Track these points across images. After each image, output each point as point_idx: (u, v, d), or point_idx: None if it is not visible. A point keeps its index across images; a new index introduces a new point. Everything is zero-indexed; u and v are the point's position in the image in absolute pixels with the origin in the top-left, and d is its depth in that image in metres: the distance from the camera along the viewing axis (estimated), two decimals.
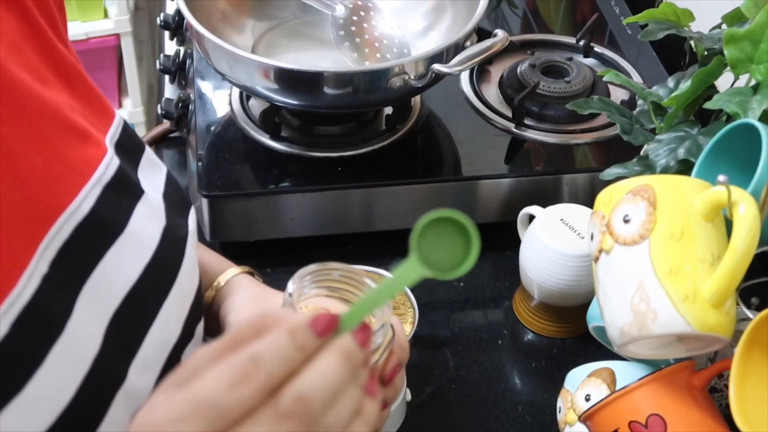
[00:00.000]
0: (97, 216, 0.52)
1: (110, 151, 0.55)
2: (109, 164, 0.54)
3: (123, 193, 0.55)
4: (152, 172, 0.60)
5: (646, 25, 0.87)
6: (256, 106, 1.06)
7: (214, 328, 0.69)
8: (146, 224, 0.56)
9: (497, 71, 1.14)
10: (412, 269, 0.48)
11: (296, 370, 0.44)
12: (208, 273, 0.71)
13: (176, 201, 0.62)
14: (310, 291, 0.57)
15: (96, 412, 0.50)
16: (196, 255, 0.63)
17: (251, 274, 0.73)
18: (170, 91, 1.19)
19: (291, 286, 0.55)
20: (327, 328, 0.46)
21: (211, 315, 0.70)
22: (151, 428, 0.43)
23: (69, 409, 0.47)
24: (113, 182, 0.54)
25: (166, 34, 1.21)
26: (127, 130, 0.59)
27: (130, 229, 0.54)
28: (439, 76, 0.93)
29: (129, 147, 0.58)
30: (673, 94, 0.80)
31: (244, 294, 0.69)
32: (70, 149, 0.52)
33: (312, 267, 0.56)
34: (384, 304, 0.49)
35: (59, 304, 0.48)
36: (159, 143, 1.15)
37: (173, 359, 0.57)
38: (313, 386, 0.44)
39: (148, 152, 0.61)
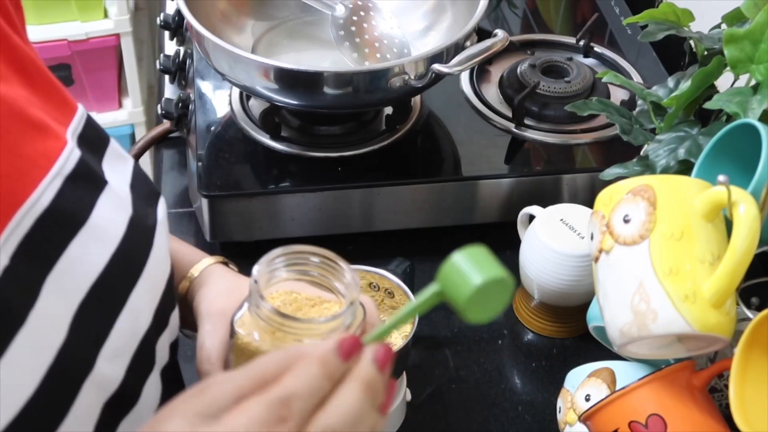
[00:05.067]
0: (59, 207, 0.52)
1: (71, 144, 0.55)
2: (70, 156, 0.54)
3: (85, 184, 0.55)
4: (118, 164, 0.61)
5: (646, 26, 0.87)
6: (256, 106, 1.06)
7: (189, 318, 0.69)
8: (111, 214, 0.56)
9: (497, 71, 1.14)
10: (433, 297, 0.49)
11: (324, 399, 0.46)
12: (181, 264, 0.71)
13: (144, 191, 0.62)
14: (277, 276, 0.56)
15: (64, 399, 0.50)
16: (166, 244, 0.63)
17: (225, 263, 0.73)
18: (170, 91, 1.19)
19: (256, 272, 0.54)
20: (352, 351, 0.47)
21: (186, 305, 0.69)
22: None
23: (35, 397, 0.48)
24: (74, 174, 0.54)
25: (166, 34, 1.21)
26: (90, 123, 0.59)
27: (94, 220, 0.54)
28: (439, 76, 0.93)
29: (93, 140, 0.59)
30: (673, 94, 0.80)
31: (219, 283, 0.68)
32: (28, 143, 0.52)
33: (276, 251, 0.55)
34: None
35: (22, 295, 0.48)
36: (159, 143, 1.15)
37: (145, 347, 0.58)
38: (339, 420, 0.45)
39: (114, 145, 0.61)
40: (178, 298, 0.68)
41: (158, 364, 0.61)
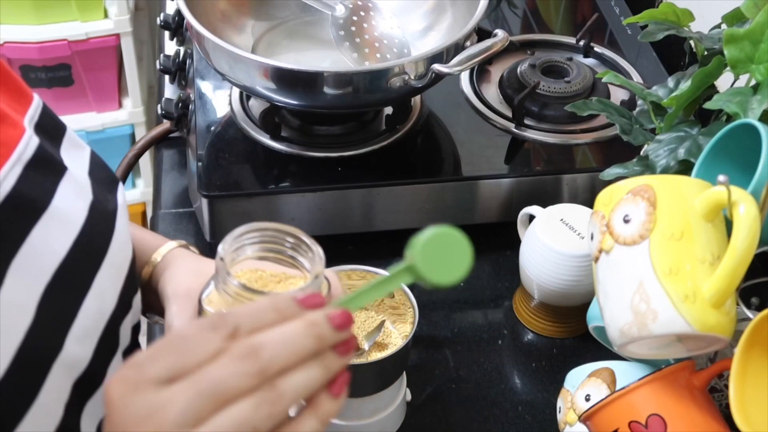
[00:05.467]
0: (20, 194, 0.53)
1: (29, 131, 0.56)
2: (29, 143, 0.55)
3: (45, 170, 0.56)
4: (76, 152, 0.61)
5: (646, 26, 0.87)
6: (256, 106, 1.06)
7: (154, 302, 0.70)
8: (72, 200, 0.57)
9: (497, 71, 1.14)
10: (405, 272, 0.49)
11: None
12: (144, 250, 0.72)
13: (103, 178, 0.63)
14: (242, 254, 0.57)
15: (35, 380, 0.51)
16: (127, 229, 0.64)
17: (186, 247, 0.74)
18: (170, 91, 1.19)
19: (221, 250, 0.55)
20: (310, 302, 0.47)
21: (150, 290, 0.70)
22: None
23: (6, 378, 0.49)
24: (34, 161, 0.55)
25: (166, 34, 1.21)
26: (46, 112, 0.60)
27: (56, 205, 0.55)
28: (439, 76, 0.93)
29: (49, 128, 0.59)
30: (673, 94, 0.80)
31: (183, 266, 0.69)
32: None
33: (240, 229, 0.56)
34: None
35: None
36: (159, 143, 1.15)
37: (110, 329, 0.59)
38: (270, 338, 0.45)
39: (70, 133, 0.62)
40: (142, 283, 0.70)
41: (122, 345, 0.62)
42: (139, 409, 0.44)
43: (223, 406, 0.44)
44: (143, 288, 0.69)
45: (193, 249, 0.74)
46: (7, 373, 0.49)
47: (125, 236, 0.62)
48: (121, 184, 0.65)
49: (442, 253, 0.48)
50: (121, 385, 0.45)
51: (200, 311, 0.59)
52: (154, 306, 0.70)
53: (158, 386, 0.44)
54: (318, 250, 0.56)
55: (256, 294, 0.54)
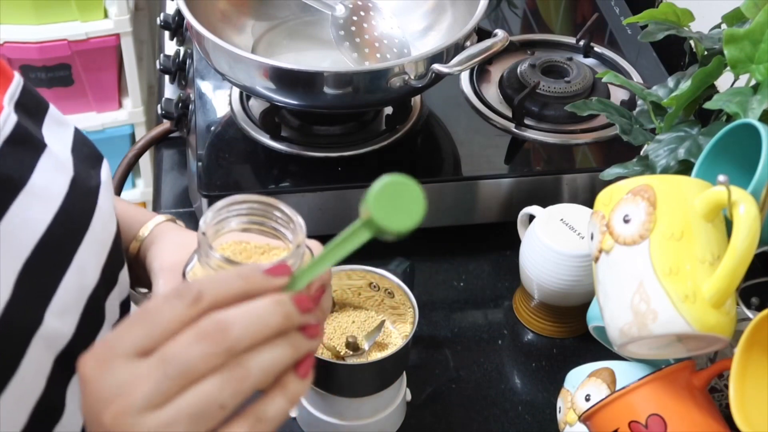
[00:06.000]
0: None
1: (7, 109, 0.56)
2: (6, 120, 0.56)
3: (24, 147, 0.56)
4: (59, 129, 0.62)
5: (646, 26, 0.87)
6: (256, 106, 1.06)
7: (143, 277, 0.70)
8: (52, 176, 0.57)
9: (497, 71, 1.14)
10: (363, 227, 0.49)
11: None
12: (131, 225, 0.72)
13: (86, 154, 0.63)
14: (225, 227, 0.57)
15: (13, 354, 0.52)
16: (111, 204, 0.64)
17: (173, 221, 0.74)
18: (170, 91, 1.19)
19: (203, 224, 0.55)
20: (276, 271, 0.48)
21: (139, 265, 0.71)
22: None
23: None
24: (12, 137, 0.55)
25: (166, 34, 1.21)
26: (27, 90, 0.60)
27: (34, 182, 0.56)
28: (439, 76, 0.93)
29: (30, 106, 0.60)
30: (673, 94, 0.80)
31: (169, 240, 0.70)
32: None
33: (221, 202, 0.56)
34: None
35: None
36: (159, 143, 1.15)
37: (93, 304, 0.59)
38: (237, 316, 0.45)
39: (53, 111, 0.63)
40: (130, 258, 0.70)
41: (108, 321, 0.62)
42: (108, 386, 0.45)
43: (189, 386, 0.44)
44: (131, 262, 0.70)
45: (180, 223, 0.74)
46: None
47: (108, 211, 0.63)
48: (105, 160, 0.65)
49: (395, 201, 0.48)
50: (91, 361, 0.46)
51: None
52: (143, 280, 0.71)
53: (128, 361, 0.45)
54: (298, 220, 0.56)
55: (237, 266, 0.54)
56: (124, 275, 0.65)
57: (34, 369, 0.53)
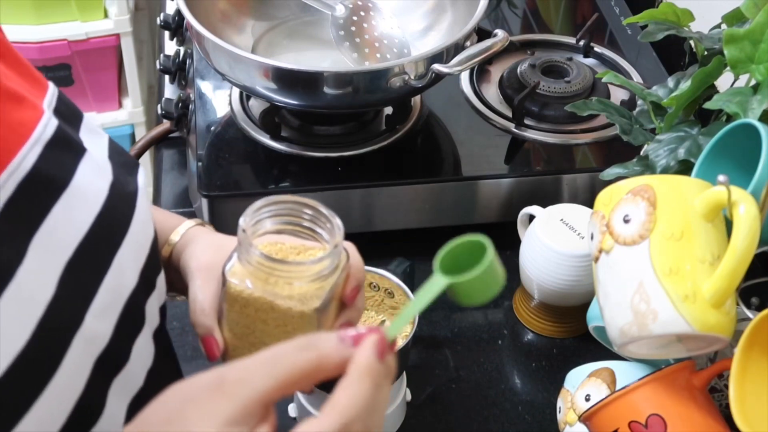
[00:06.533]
0: (41, 172, 0.54)
1: (47, 113, 0.57)
2: (48, 124, 0.56)
3: (65, 150, 0.57)
4: (93, 138, 0.63)
5: (646, 26, 0.87)
6: (256, 106, 1.06)
7: (174, 280, 0.71)
8: (92, 179, 0.58)
9: (497, 71, 1.14)
10: (436, 283, 0.51)
11: None
12: (162, 230, 0.73)
13: (122, 161, 0.64)
14: (262, 227, 0.59)
15: (54, 353, 0.52)
16: (148, 209, 0.65)
17: (202, 225, 0.75)
18: (170, 91, 1.19)
19: (243, 223, 0.57)
20: (384, 350, 0.50)
21: (171, 269, 0.72)
22: None
23: (27, 349, 0.50)
24: (54, 140, 0.56)
25: (166, 34, 1.21)
26: (63, 99, 0.61)
27: (76, 184, 0.56)
28: (439, 76, 0.93)
29: (67, 114, 0.61)
30: (673, 94, 0.80)
31: (202, 242, 0.71)
32: (6, 112, 0.53)
33: (260, 202, 0.58)
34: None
35: (9, 252, 0.51)
36: (159, 143, 1.15)
37: (132, 307, 0.60)
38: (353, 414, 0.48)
39: (88, 120, 0.63)
40: (162, 263, 0.71)
41: (148, 325, 0.63)
42: None
43: None
44: (164, 267, 0.71)
45: (209, 226, 0.76)
46: (28, 344, 0.50)
47: (146, 216, 0.63)
48: (141, 167, 0.66)
49: (466, 262, 0.50)
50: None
51: (224, 283, 0.61)
52: (174, 283, 0.72)
53: None
54: (336, 221, 0.58)
55: (278, 263, 0.57)
56: (161, 280, 0.66)
57: (74, 370, 0.53)
